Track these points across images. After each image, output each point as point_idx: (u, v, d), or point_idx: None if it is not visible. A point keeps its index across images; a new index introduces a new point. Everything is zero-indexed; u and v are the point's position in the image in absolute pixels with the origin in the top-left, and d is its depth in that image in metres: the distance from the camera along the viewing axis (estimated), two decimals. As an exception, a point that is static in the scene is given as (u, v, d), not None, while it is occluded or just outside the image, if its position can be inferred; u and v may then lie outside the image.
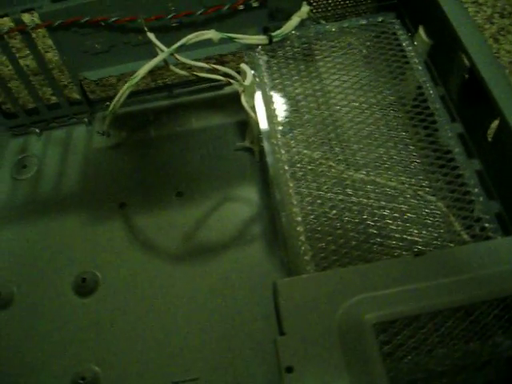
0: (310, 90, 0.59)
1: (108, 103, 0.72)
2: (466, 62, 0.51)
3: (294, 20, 0.60)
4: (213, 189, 0.67)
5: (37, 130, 0.74)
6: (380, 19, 0.62)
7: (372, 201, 0.51)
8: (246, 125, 0.67)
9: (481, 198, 0.49)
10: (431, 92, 0.56)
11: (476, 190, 0.49)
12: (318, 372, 0.35)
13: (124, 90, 0.59)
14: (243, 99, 0.58)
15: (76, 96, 0.77)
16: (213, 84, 0.74)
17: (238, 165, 0.69)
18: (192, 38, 0.56)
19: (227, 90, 0.74)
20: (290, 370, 0.35)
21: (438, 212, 0.50)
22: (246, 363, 0.55)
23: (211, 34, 0.57)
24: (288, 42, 0.61)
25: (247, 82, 0.57)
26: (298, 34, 0.61)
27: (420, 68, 0.58)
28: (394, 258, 0.44)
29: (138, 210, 0.66)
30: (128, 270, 0.62)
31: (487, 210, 0.48)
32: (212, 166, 0.69)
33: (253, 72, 0.58)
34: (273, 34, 0.60)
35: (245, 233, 0.64)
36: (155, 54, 0.57)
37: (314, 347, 0.36)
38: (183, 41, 0.56)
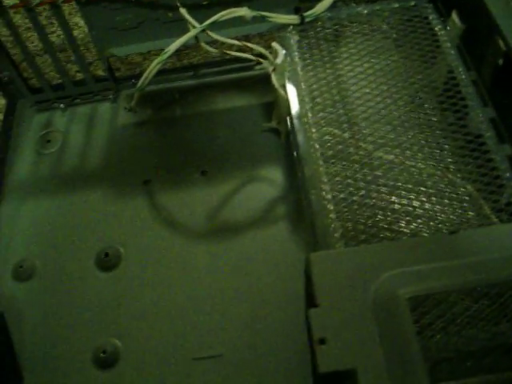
0: (340, 71, 0.58)
1: (133, 81, 0.73)
2: (503, 46, 0.50)
3: (327, 0, 0.59)
4: (237, 168, 0.67)
5: (62, 106, 0.74)
6: (412, 3, 0.62)
7: (400, 183, 0.51)
8: (273, 105, 0.66)
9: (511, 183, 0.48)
10: (463, 76, 0.55)
11: (507, 174, 0.49)
12: (352, 344, 0.35)
13: (154, 65, 0.59)
14: (274, 78, 0.58)
15: (101, 73, 0.77)
16: (241, 65, 0.74)
17: (264, 145, 0.68)
18: (225, 14, 0.56)
19: (254, 71, 0.74)
20: (322, 341, 0.35)
21: (468, 195, 0.50)
22: (268, 342, 0.55)
23: (244, 11, 0.57)
24: (319, 23, 0.61)
25: (279, 61, 0.57)
26: (329, 15, 0.61)
27: (452, 52, 0.57)
28: (427, 236, 0.44)
29: (162, 187, 0.66)
30: (151, 247, 0.62)
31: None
32: (237, 146, 0.69)
33: (284, 51, 0.58)
34: (305, 14, 0.59)
35: (268, 213, 0.64)
36: (184, 32, 0.57)
37: (347, 320, 0.36)
38: (216, 17, 0.56)
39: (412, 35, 0.59)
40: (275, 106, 0.66)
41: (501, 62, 0.51)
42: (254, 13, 0.57)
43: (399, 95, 0.56)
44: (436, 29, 0.59)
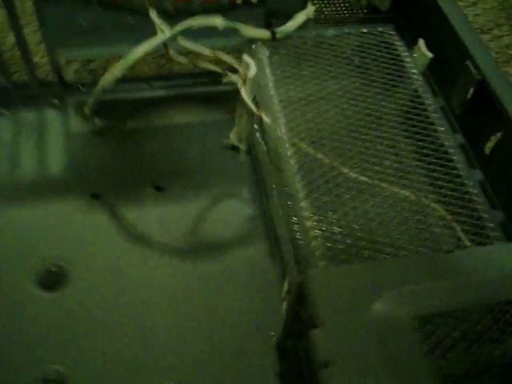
0: (307, 91, 0.58)
1: (82, 88, 0.68)
2: (475, 75, 0.51)
3: (299, 18, 0.58)
4: (194, 185, 0.64)
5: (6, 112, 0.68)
6: (380, 29, 0.62)
7: (376, 206, 0.50)
8: (235, 122, 0.64)
9: (484, 207, 0.49)
10: (431, 102, 0.56)
11: (480, 199, 0.50)
12: (358, 368, 0.32)
13: (116, 70, 0.55)
14: (243, 91, 0.56)
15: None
16: (200, 80, 0.71)
17: (222, 163, 0.66)
18: (198, 20, 0.53)
19: (212, 87, 0.72)
20: (326, 364, 0.32)
21: (442, 220, 0.50)
22: (231, 370, 0.52)
23: (217, 20, 0.55)
24: (290, 40, 0.60)
25: (251, 74, 0.55)
26: (299, 34, 0.60)
27: (419, 79, 0.58)
28: (426, 254, 0.43)
29: (113, 202, 0.61)
30: (99, 264, 0.57)
31: (491, 218, 0.48)
32: (194, 162, 0.66)
33: (255, 65, 0.56)
34: (276, 29, 0.58)
35: (228, 231, 0.61)
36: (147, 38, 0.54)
37: (352, 341, 0.33)
38: (187, 23, 0.54)
39: (380, 60, 0.60)
40: (238, 122, 0.63)
41: (471, 90, 0.52)
42: (227, 23, 0.55)
43: (368, 120, 0.56)
44: (402, 55, 0.60)
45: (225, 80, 0.59)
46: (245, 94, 0.56)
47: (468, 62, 0.52)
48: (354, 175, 0.52)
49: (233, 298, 0.56)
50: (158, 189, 0.63)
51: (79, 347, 0.51)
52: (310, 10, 0.59)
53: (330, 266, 0.44)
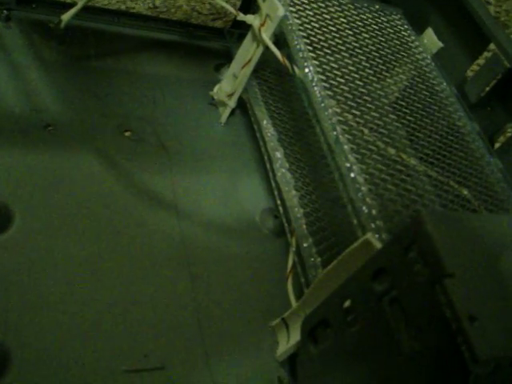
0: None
1: (34, 5, 0.55)
2: (506, 63, 0.50)
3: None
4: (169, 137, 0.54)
5: None
6: (389, 11, 0.59)
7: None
8: (228, 75, 0.56)
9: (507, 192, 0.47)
10: (447, 91, 0.54)
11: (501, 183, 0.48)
12: (506, 325, 0.27)
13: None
14: (264, 34, 0.49)
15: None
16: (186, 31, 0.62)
17: (200, 123, 0.57)
18: None
19: (197, 41, 0.63)
20: (473, 319, 0.26)
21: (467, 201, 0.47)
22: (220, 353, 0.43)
23: None
24: None
25: (280, 13, 0.48)
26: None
27: (432, 64, 0.56)
28: None
29: (70, 136, 0.49)
30: (53, 208, 0.44)
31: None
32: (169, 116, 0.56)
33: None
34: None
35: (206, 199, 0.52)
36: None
37: (490, 294, 0.27)
38: None
39: (388, 43, 0.56)
40: (230, 76, 0.55)
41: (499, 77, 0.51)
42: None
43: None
44: (412, 42, 0.58)
45: (238, 18, 0.51)
46: (265, 35, 0.49)
47: (496, 50, 0.51)
48: (393, 151, 0.47)
49: (219, 275, 0.46)
50: (126, 131, 0.52)
51: (28, 316, 0.38)
52: None
53: (385, 225, 0.38)
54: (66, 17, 0.46)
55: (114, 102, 0.53)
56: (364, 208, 0.39)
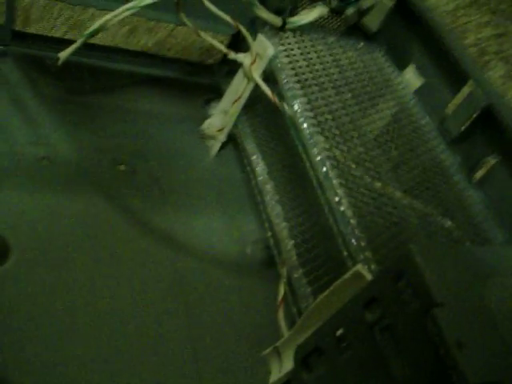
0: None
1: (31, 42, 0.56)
2: (481, 99, 0.53)
3: (313, 14, 0.56)
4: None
5: None
6: (371, 48, 0.62)
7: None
8: (219, 109, 0.58)
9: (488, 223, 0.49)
10: (429, 125, 0.57)
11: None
12: (492, 350, 0.28)
13: (113, 15, 0.46)
14: (255, 71, 0.51)
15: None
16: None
17: (190, 157, 0.58)
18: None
19: (184, 76, 0.65)
20: (460, 345, 0.28)
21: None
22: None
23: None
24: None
25: (269, 53, 0.50)
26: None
27: (411, 101, 0.59)
28: None
29: (67, 171, 0.50)
30: (49, 241, 0.45)
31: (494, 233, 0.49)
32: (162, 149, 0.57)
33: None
34: (290, 18, 0.55)
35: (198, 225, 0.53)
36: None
37: (477, 322, 0.29)
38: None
39: (371, 79, 0.59)
40: (220, 111, 0.57)
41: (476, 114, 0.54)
42: (250, -5, 0.50)
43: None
44: (393, 78, 0.60)
45: (230, 57, 0.53)
46: (255, 73, 0.51)
47: (473, 87, 0.54)
48: (379, 185, 0.49)
49: (218, 312, 0.48)
50: (121, 166, 0.53)
51: (22, 343, 0.39)
52: (324, 9, 0.56)
53: (374, 256, 0.39)
54: (64, 55, 0.47)
55: (108, 137, 0.55)
56: (353, 240, 0.40)
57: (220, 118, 0.57)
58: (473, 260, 0.32)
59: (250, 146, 0.56)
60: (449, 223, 0.49)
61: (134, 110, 0.58)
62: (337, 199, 0.42)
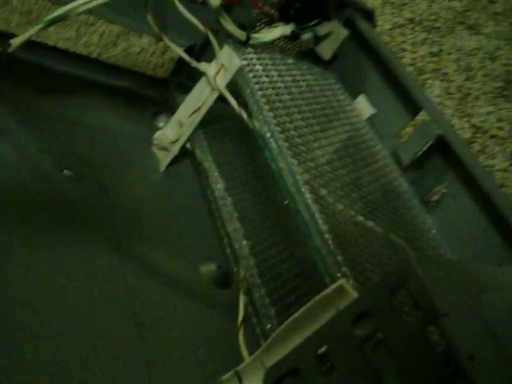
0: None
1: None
2: (434, 129, 0.55)
3: (276, 31, 0.55)
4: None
5: None
6: (326, 75, 0.63)
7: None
8: (172, 122, 0.55)
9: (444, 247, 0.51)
10: (383, 152, 0.58)
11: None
12: (500, 362, 0.28)
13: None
14: (220, 82, 0.49)
15: None
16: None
17: (139, 168, 0.55)
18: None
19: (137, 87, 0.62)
20: (472, 358, 0.27)
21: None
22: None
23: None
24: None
25: (236, 64, 0.49)
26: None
27: (365, 129, 0.60)
28: None
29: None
30: None
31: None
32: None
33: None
34: (253, 34, 0.54)
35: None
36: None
37: (482, 333, 0.29)
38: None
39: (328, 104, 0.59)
40: (174, 122, 0.55)
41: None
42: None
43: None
44: (346, 106, 0.61)
45: (193, 65, 0.51)
46: (222, 85, 0.49)
47: (425, 117, 0.56)
48: (341, 207, 0.48)
49: (173, 334, 0.44)
50: (69, 171, 0.48)
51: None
52: (288, 28, 0.56)
53: (352, 273, 0.38)
54: (16, 42, 0.43)
55: (52, 140, 0.50)
56: (330, 256, 0.39)
57: (174, 129, 0.55)
58: (466, 274, 0.32)
59: (207, 159, 0.53)
60: (408, 247, 0.49)
61: (79, 117, 0.54)
62: (311, 215, 0.41)
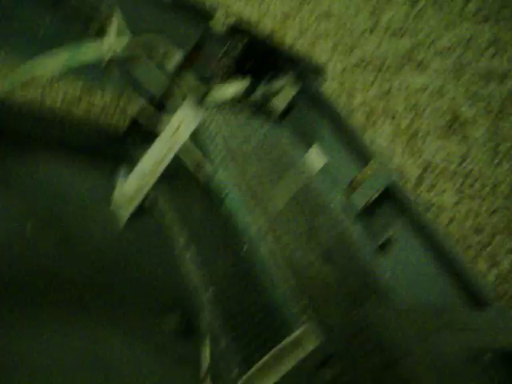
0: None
1: None
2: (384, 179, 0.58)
3: (232, 88, 0.58)
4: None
5: None
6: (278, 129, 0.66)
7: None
8: (131, 180, 0.57)
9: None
10: (336, 200, 0.60)
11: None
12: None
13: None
14: (179, 137, 0.51)
15: None
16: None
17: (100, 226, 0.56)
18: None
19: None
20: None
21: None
22: None
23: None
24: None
25: (197, 119, 0.51)
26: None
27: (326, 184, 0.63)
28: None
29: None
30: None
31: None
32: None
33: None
34: (211, 91, 0.56)
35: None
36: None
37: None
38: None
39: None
40: (140, 175, 0.56)
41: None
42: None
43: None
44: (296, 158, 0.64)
45: (153, 120, 0.53)
46: (181, 140, 0.51)
47: (375, 166, 0.59)
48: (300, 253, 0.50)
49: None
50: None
51: None
52: (243, 84, 0.59)
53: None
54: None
55: (15, 196, 0.51)
56: (294, 302, 0.41)
57: (134, 184, 0.56)
58: (417, 318, 0.35)
59: (167, 213, 0.55)
60: (365, 291, 0.52)
61: (41, 174, 0.55)
62: (273, 262, 0.43)
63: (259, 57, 0.61)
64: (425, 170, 1.15)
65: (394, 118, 1.23)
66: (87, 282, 0.49)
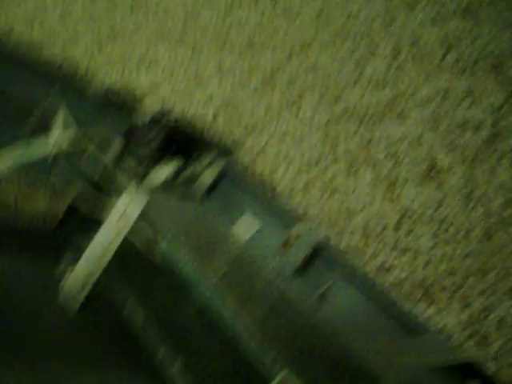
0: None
1: None
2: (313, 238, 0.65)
3: (165, 170, 0.66)
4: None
5: None
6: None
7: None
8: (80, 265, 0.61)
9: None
10: (272, 263, 0.67)
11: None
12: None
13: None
14: (123, 223, 0.57)
15: None
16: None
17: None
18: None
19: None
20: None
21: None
22: None
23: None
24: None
25: (138, 207, 0.57)
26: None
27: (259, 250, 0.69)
28: None
29: None
30: None
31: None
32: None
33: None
34: (148, 175, 0.64)
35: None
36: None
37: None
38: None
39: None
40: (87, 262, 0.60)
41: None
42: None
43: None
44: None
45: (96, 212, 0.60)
46: (126, 226, 0.57)
47: (300, 230, 0.66)
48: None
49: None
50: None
51: None
52: (174, 165, 0.66)
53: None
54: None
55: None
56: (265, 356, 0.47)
57: (81, 272, 0.59)
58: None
59: (121, 295, 0.60)
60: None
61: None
62: (243, 327, 0.49)
63: (182, 140, 0.67)
64: (403, 215, 1.20)
65: (374, 166, 1.28)
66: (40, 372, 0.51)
